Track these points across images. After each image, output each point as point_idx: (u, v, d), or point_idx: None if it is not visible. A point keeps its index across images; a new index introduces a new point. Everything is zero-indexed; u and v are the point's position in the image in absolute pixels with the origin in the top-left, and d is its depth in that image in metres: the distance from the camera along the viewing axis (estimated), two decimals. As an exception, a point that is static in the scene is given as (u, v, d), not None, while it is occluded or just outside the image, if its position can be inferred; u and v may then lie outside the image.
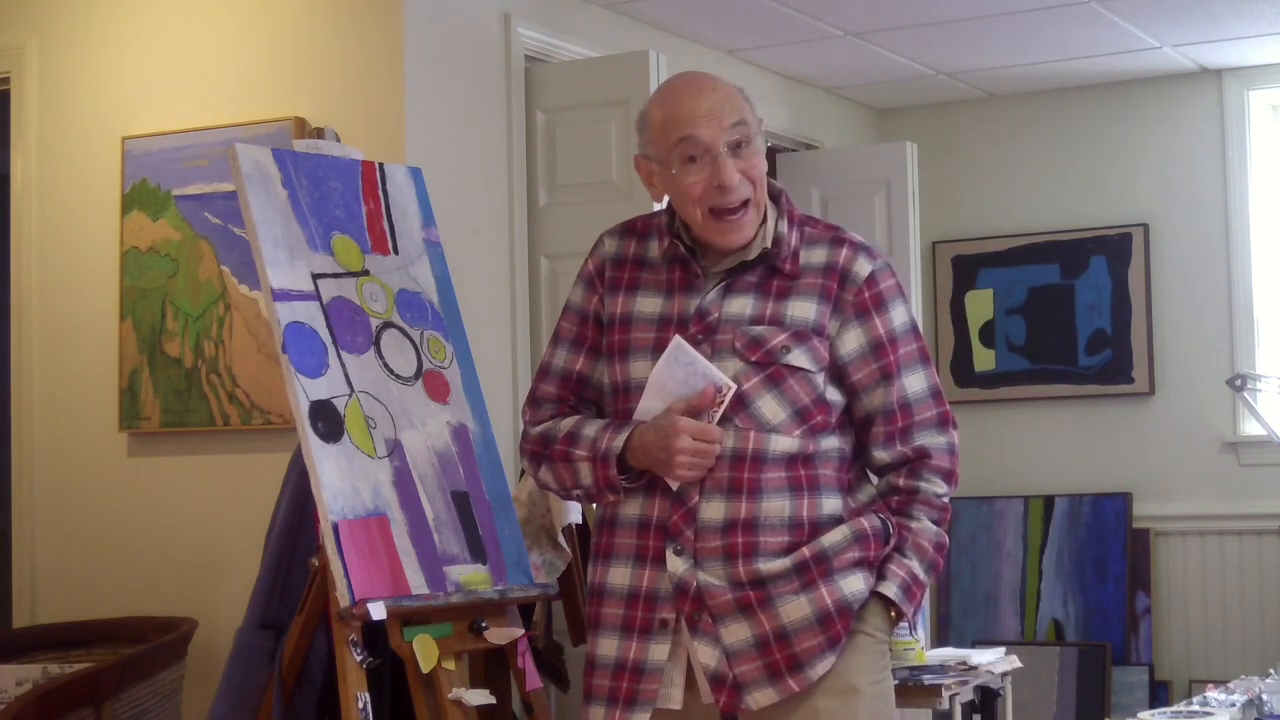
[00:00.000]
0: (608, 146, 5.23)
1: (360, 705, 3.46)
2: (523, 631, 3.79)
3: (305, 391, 3.60)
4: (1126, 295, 6.99)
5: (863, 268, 2.73)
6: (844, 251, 2.74)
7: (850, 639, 2.69)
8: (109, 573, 5.09)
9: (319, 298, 3.74)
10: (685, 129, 2.68)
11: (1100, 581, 6.90)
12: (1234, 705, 4.17)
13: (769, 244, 2.73)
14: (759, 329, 2.69)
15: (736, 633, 2.66)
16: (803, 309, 2.70)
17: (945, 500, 2.80)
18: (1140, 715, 4.24)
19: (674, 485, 2.68)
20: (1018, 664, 4.74)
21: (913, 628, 2.77)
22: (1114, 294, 7.01)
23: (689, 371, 2.66)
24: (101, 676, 4.28)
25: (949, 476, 2.79)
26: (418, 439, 3.79)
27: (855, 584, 2.69)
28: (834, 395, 2.73)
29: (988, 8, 5.93)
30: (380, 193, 4.00)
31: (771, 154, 6.55)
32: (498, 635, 3.71)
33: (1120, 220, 7.05)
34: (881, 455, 2.78)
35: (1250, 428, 6.70)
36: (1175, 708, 4.36)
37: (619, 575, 2.74)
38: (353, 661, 3.49)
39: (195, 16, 5.08)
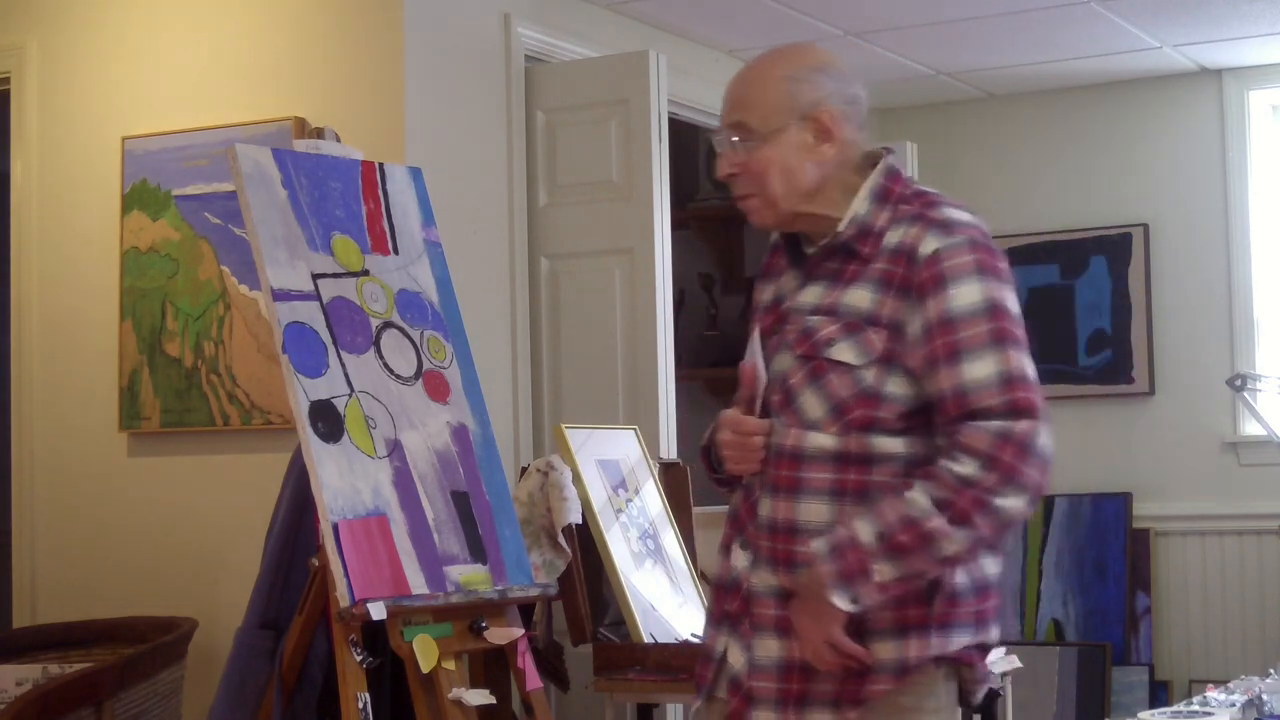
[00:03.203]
0: (608, 146, 5.23)
1: (360, 705, 3.46)
2: (523, 631, 3.79)
3: (305, 391, 3.60)
4: (1126, 295, 6.98)
5: (928, 245, 2.50)
6: (916, 229, 2.53)
7: (874, 710, 2.52)
8: (109, 573, 5.08)
9: (319, 298, 3.74)
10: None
11: (1100, 581, 6.90)
12: (1234, 705, 4.17)
13: (842, 226, 2.58)
14: (814, 320, 2.56)
15: (768, 648, 2.56)
16: (858, 297, 2.53)
17: (972, 487, 2.41)
18: (1140, 715, 4.24)
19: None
20: (1018, 664, 4.74)
21: (856, 601, 2.45)
22: (1114, 294, 7.01)
23: (755, 364, 2.62)
24: (101, 676, 4.28)
25: (991, 463, 2.41)
26: (418, 439, 3.79)
27: (885, 651, 2.50)
28: (894, 389, 2.50)
29: (988, 8, 5.93)
30: (380, 193, 4.00)
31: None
32: (498, 635, 3.71)
33: (1120, 220, 7.04)
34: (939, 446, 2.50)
35: (1250, 428, 6.70)
36: (1175, 708, 4.36)
37: (716, 564, 2.72)
38: (353, 661, 3.49)
39: (195, 17, 5.08)
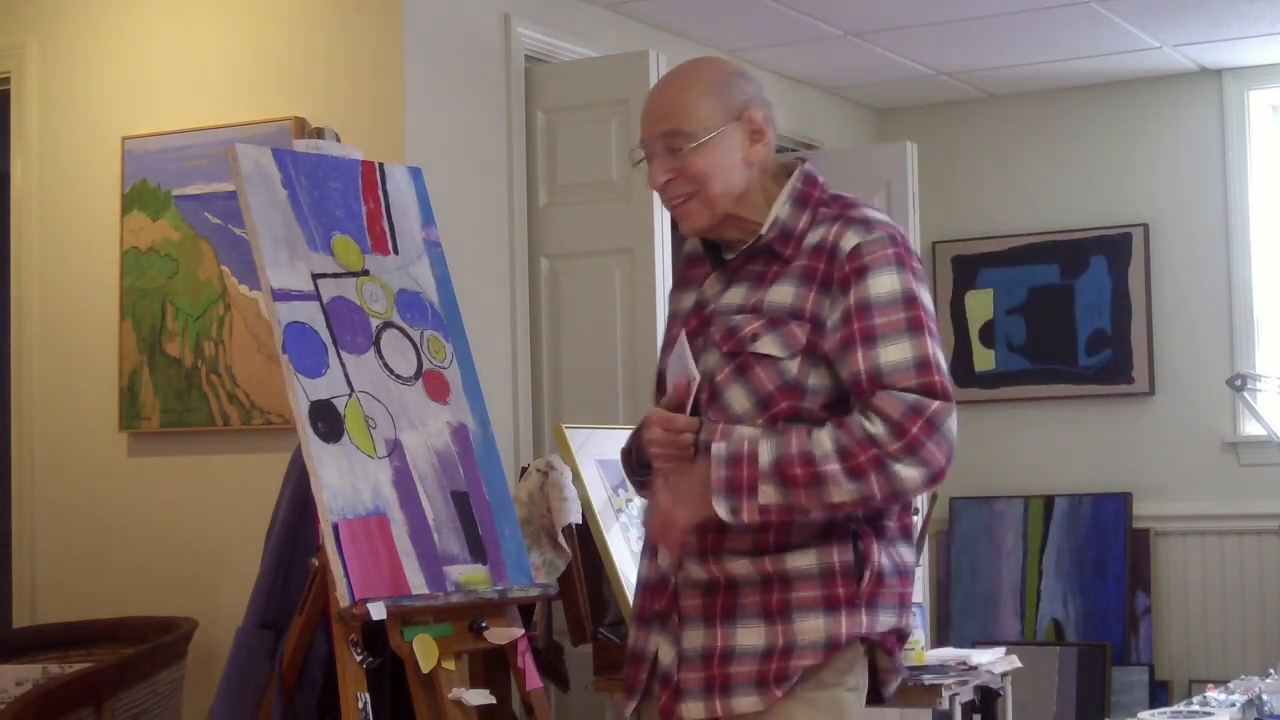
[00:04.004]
0: (608, 146, 5.23)
1: (360, 705, 3.46)
2: (523, 631, 3.79)
3: (305, 391, 3.60)
4: (1126, 295, 6.99)
5: (849, 241, 2.60)
6: (836, 227, 2.63)
7: (798, 687, 2.58)
8: (109, 573, 5.09)
9: (319, 298, 3.74)
10: (640, 128, 2.73)
11: (1100, 581, 6.90)
12: (1234, 705, 4.17)
13: (764, 230, 2.68)
14: (738, 318, 2.65)
15: (694, 639, 2.64)
16: (782, 294, 2.63)
17: (876, 446, 2.50)
18: (1140, 715, 4.24)
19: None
20: (1018, 664, 4.74)
21: (734, 512, 2.54)
22: (1114, 294, 7.01)
23: (680, 366, 2.67)
24: (101, 676, 4.28)
25: (898, 430, 2.50)
26: (418, 439, 3.79)
27: (811, 630, 2.58)
28: (817, 380, 2.60)
29: (988, 8, 5.93)
30: (380, 193, 4.00)
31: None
32: (498, 635, 3.71)
33: (1120, 220, 7.05)
34: None
35: (1250, 428, 6.70)
36: (1175, 708, 4.36)
37: (640, 566, 2.78)
38: (353, 661, 3.49)
39: (195, 17, 5.08)
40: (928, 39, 6.35)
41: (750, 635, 2.60)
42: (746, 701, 2.59)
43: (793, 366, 2.60)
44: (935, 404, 2.53)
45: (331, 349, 3.70)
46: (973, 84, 7.08)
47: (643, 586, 2.75)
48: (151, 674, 4.43)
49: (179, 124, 5.01)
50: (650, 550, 2.74)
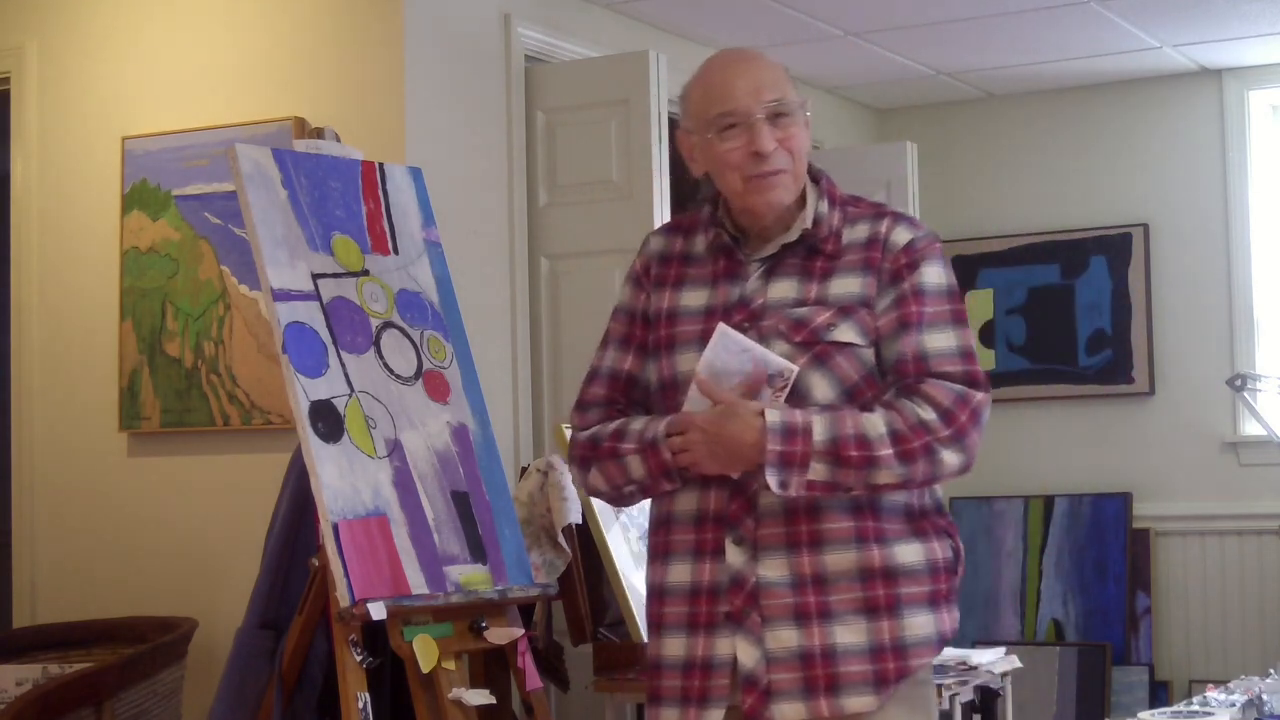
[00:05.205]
0: (608, 146, 5.23)
1: (360, 705, 3.46)
2: (523, 631, 3.79)
3: (305, 391, 3.60)
4: (1126, 295, 6.99)
5: (901, 236, 2.67)
6: (885, 223, 2.69)
7: (902, 688, 2.59)
8: (109, 573, 5.09)
9: (319, 298, 3.74)
10: (724, 100, 2.68)
11: (1100, 581, 6.90)
12: (1234, 705, 4.17)
13: (809, 225, 2.69)
14: (803, 310, 2.63)
15: (783, 639, 2.58)
16: (847, 284, 2.65)
17: (928, 432, 2.56)
18: (1140, 715, 4.24)
19: (734, 474, 2.60)
20: (1018, 664, 4.74)
21: (783, 486, 2.52)
22: (1114, 294, 7.01)
23: (743, 359, 2.59)
24: (101, 676, 4.28)
25: (948, 417, 2.58)
26: (418, 439, 3.79)
27: (922, 625, 2.60)
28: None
29: (988, 8, 5.93)
30: (380, 193, 4.00)
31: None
32: (498, 635, 3.71)
33: (1120, 220, 7.05)
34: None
35: (1250, 428, 6.70)
36: (1175, 708, 4.36)
37: (679, 572, 2.67)
38: (353, 661, 3.49)
39: (195, 17, 5.08)
40: (928, 39, 6.35)
41: (851, 633, 2.57)
42: (860, 701, 2.57)
43: (870, 355, 2.64)
44: (979, 395, 2.64)
45: (331, 349, 3.70)
46: (973, 84, 7.08)
47: (692, 592, 2.65)
48: (151, 674, 4.43)
49: (179, 124, 5.01)
50: (698, 554, 2.65)
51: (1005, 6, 5.92)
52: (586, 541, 4.51)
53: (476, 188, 5.09)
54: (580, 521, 4.48)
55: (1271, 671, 4.42)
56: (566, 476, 4.50)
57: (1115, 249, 7.02)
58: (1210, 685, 4.71)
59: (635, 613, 4.44)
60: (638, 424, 2.69)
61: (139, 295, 5.03)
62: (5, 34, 5.36)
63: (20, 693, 4.39)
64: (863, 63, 6.63)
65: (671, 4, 5.75)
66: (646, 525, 4.72)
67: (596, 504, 4.54)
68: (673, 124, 5.54)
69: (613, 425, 2.73)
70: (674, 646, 2.67)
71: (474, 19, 5.13)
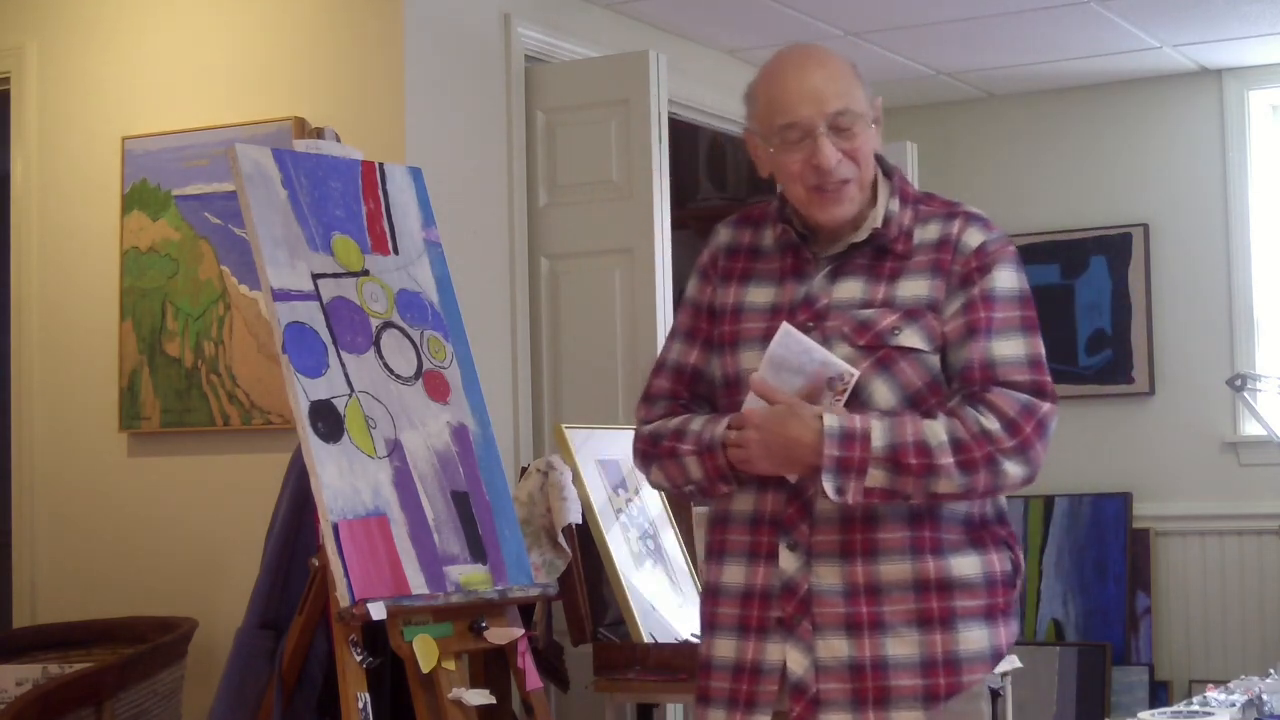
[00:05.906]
0: (608, 146, 5.23)
1: (360, 705, 3.46)
2: (523, 631, 3.78)
3: (305, 391, 3.60)
4: (1126, 295, 6.99)
5: (974, 238, 2.63)
6: (957, 224, 2.64)
7: (953, 703, 2.54)
8: (109, 573, 5.08)
9: (319, 298, 3.74)
10: (786, 112, 2.60)
11: (1100, 581, 6.90)
12: (1234, 705, 4.16)
13: (878, 224, 2.63)
14: (868, 312, 2.57)
15: (834, 648, 2.54)
16: (915, 287, 2.58)
17: (991, 442, 2.48)
18: (1140, 715, 4.23)
19: (792, 478, 2.55)
20: (1018, 664, 4.74)
21: (840, 492, 2.46)
22: (1114, 294, 7.01)
23: (804, 360, 2.54)
24: (101, 676, 4.28)
25: (1013, 428, 2.50)
26: (418, 439, 3.79)
27: (976, 640, 2.55)
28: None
29: (988, 8, 5.93)
30: (380, 193, 4.00)
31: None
32: (498, 635, 3.71)
33: (1120, 220, 7.05)
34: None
35: (1250, 428, 6.70)
36: (1175, 708, 4.35)
37: (733, 574, 2.63)
38: (353, 661, 3.49)
39: (195, 17, 5.09)
40: (928, 39, 6.35)
41: (902, 645, 2.53)
42: (909, 716, 2.52)
43: (936, 361, 2.57)
44: (1046, 406, 2.57)
45: (331, 349, 3.70)
46: (973, 84, 7.08)
47: (744, 594, 2.61)
48: (151, 674, 4.43)
49: (179, 124, 5.00)
50: (753, 556, 2.61)
51: (1005, 6, 5.92)
52: (586, 541, 4.51)
53: (476, 188, 5.09)
54: (580, 521, 4.48)
55: (1271, 671, 4.42)
56: (566, 476, 4.50)
57: (1115, 249, 7.02)
58: (1210, 685, 4.71)
59: (635, 613, 4.44)
60: (697, 424, 2.64)
61: (139, 295, 5.03)
62: (5, 34, 5.36)
63: (20, 693, 4.39)
64: (862, 63, 6.53)
65: (671, 4, 5.75)
66: (646, 525, 4.73)
67: (596, 504, 4.54)
68: (673, 124, 5.56)
69: (674, 423, 2.67)
70: (724, 648, 2.64)
71: (474, 19, 5.13)
